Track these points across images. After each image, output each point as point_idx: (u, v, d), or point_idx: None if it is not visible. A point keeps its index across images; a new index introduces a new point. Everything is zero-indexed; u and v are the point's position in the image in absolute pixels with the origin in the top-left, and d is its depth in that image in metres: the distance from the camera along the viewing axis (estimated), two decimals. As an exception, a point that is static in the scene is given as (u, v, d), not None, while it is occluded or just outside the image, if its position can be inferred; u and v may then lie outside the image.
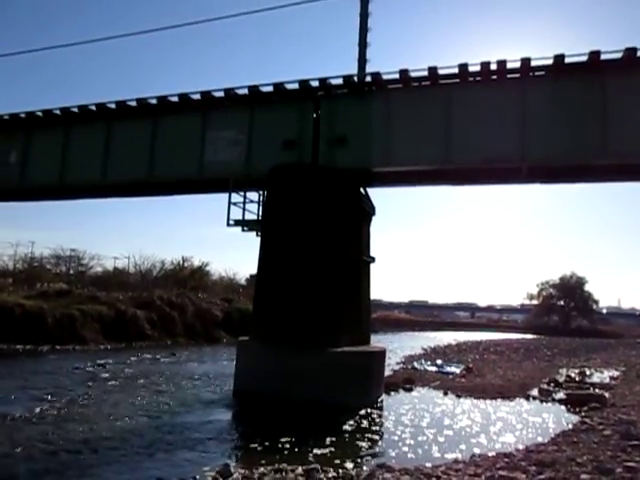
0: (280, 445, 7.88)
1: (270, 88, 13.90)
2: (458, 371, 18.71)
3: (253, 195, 14.22)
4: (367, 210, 14.44)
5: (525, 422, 10.65)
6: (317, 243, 12.52)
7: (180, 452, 7.46)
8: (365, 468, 6.77)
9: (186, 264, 43.23)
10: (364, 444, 8.46)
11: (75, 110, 16.48)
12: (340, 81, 13.40)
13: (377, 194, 15.35)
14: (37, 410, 9.63)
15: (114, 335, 24.13)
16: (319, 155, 13.30)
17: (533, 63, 11.94)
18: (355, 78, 13.49)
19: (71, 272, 40.49)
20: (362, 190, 14.29)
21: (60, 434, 8.04)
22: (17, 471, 6.18)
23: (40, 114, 17.06)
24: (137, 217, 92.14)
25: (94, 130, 16.42)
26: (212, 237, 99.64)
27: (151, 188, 17.22)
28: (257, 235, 13.79)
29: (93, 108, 16.19)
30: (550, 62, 11.78)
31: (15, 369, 14.84)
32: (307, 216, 12.67)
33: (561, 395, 13.80)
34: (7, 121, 17.67)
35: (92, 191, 18.43)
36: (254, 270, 14.10)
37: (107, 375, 14.53)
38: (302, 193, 12.88)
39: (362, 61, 14.17)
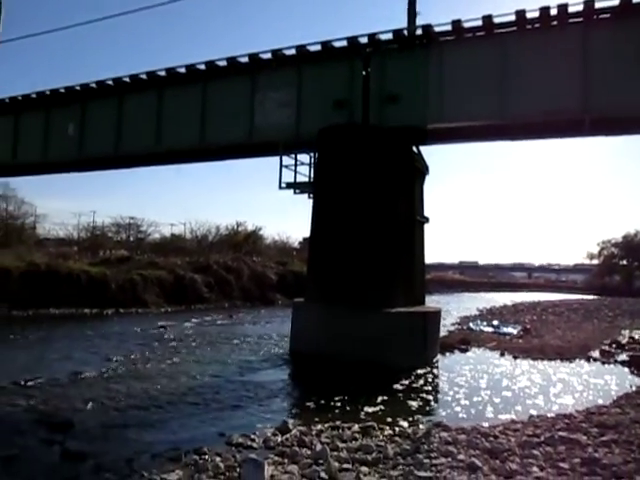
0: (335, 403, 8.02)
1: (318, 47, 13.63)
2: (515, 332, 18.38)
3: (304, 157, 14.17)
4: (420, 169, 14.13)
5: (586, 384, 10.38)
6: (370, 204, 12.40)
7: (240, 409, 7.72)
8: (421, 427, 6.80)
9: (240, 229, 44.07)
10: (419, 404, 8.49)
11: (127, 80, 16.77)
12: (390, 36, 12.97)
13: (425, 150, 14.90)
14: (105, 369, 10.17)
15: (174, 298, 25.08)
16: (370, 114, 13.01)
17: (597, 5, 11.15)
18: (405, 32, 13.02)
19: (131, 239, 42.05)
20: (414, 148, 13.96)
21: (127, 391, 8.47)
22: (89, 426, 6.56)
23: (94, 85, 17.46)
24: (190, 183, 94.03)
25: (146, 98, 16.70)
26: (264, 201, 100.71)
27: (203, 154, 17.45)
28: (309, 197, 13.79)
29: (144, 77, 16.42)
30: (616, 2, 10.95)
31: (84, 331, 15.68)
32: (359, 177, 12.52)
33: (624, 357, 13.34)
34: (63, 94, 18.20)
35: (146, 159, 18.90)
36: (306, 233, 14.18)
37: (169, 336, 15.13)
38: (353, 153, 12.70)
39: (412, 14, 13.61)
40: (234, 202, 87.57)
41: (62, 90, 18.14)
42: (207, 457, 5.39)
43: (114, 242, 39.96)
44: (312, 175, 13.92)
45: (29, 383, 8.71)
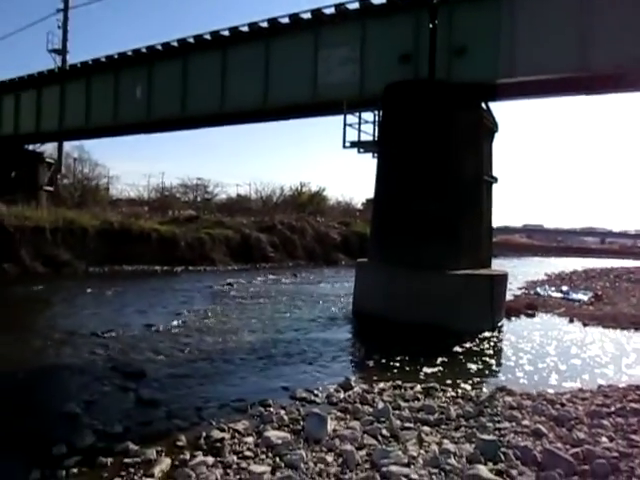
0: (396, 363, 8.02)
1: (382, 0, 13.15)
2: (585, 298, 17.64)
3: (368, 116, 13.88)
4: (489, 126, 13.52)
5: (664, 354, 9.84)
6: (435, 163, 12.05)
7: (303, 365, 7.88)
8: (485, 390, 6.71)
9: (304, 189, 44.41)
10: (481, 367, 8.34)
11: (191, 40, 16.91)
12: (459, -16, 12.29)
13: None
14: (175, 323, 10.64)
15: (240, 257, 25.75)
16: (436, 68, 12.49)
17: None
18: (475, -21, 12.28)
19: (198, 199, 43.25)
20: (483, 104, 13.35)
21: (195, 344, 8.84)
22: (160, 376, 6.92)
23: (159, 47, 17.73)
24: (254, 143, 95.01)
25: (210, 59, 16.80)
26: (328, 161, 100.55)
27: (266, 114, 17.47)
28: (373, 157, 13.56)
29: (208, 37, 16.49)
30: None
31: (155, 287, 16.44)
32: (424, 134, 12.14)
33: None
34: (131, 57, 18.61)
35: (211, 120, 19.17)
36: (370, 194, 14.02)
37: (235, 293, 15.59)
38: (418, 110, 12.29)
39: (484, -41, 12.79)
40: (298, 162, 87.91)
41: (130, 53, 18.56)
42: (272, 409, 5.55)
43: (182, 202, 41.26)
44: (376, 134, 13.65)
45: (106, 334, 9.25)
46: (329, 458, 4.22)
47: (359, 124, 13.73)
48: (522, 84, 12.63)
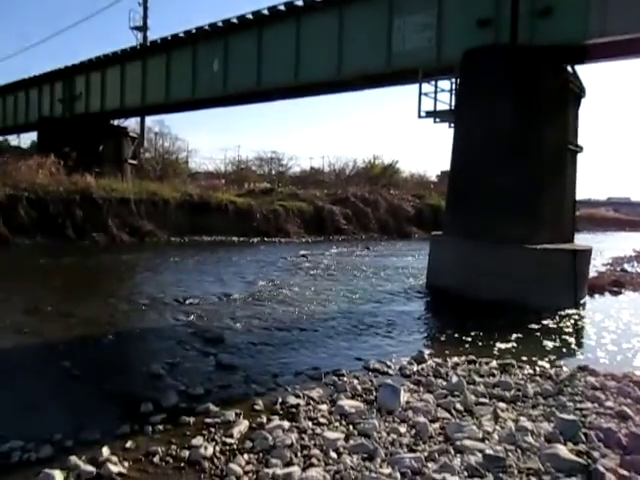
0: (469, 338, 7.87)
1: (461, -41, 12.53)
2: (680, 275, 16.44)
3: (445, 84, 13.44)
4: (575, 91, 12.67)
5: None
6: (516, 132, 11.47)
7: (376, 337, 7.90)
8: (564, 369, 6.45)
9: (377, 162, 44.02)
10: (559, 345, 7.99)
11: (265, 12, 16.96)
12: (545, -63, 11.44)
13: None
14: (252, 292, 10.96)
15: (313, 229, 26.08)
16: (518, 32, 11.80)
17: None
18: None
19: (272, 172, 43.95)
20: (569, 68, 12.52)
21: (271, 313, 9.09)
22: (237, 342, 7.18)
23: (235, 21, 17.94)
24: (327, 116, 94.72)
25: (284, 30, 16.82)
26: (402, 133, 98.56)
27: (340, 85, 17.33)
28: (449, 127, 13.15)
29: (282, 8, 16.47)
30: None
31: (232, 257, 16.98)
32: (505, 102, 11.56)
33: None
34: (208, 31, 18.97)
35: (285, 92, 19.26)
36: (444, 167, 13.65)
37: (309, 265, 15.83)
38: (499, 77, 11.70)
39: None
40: (371, 134, 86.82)
41: (206, 27, 18.90)
42: (345, 379, 5.63)
43: (257, 175, 42.13)
44: (453, 102, 13.20)
45: (187, 301, 9.70)
46: (402, 429, 4.24)
47: (435, 93, 13.34)
48: (613, 44, 11.66)
